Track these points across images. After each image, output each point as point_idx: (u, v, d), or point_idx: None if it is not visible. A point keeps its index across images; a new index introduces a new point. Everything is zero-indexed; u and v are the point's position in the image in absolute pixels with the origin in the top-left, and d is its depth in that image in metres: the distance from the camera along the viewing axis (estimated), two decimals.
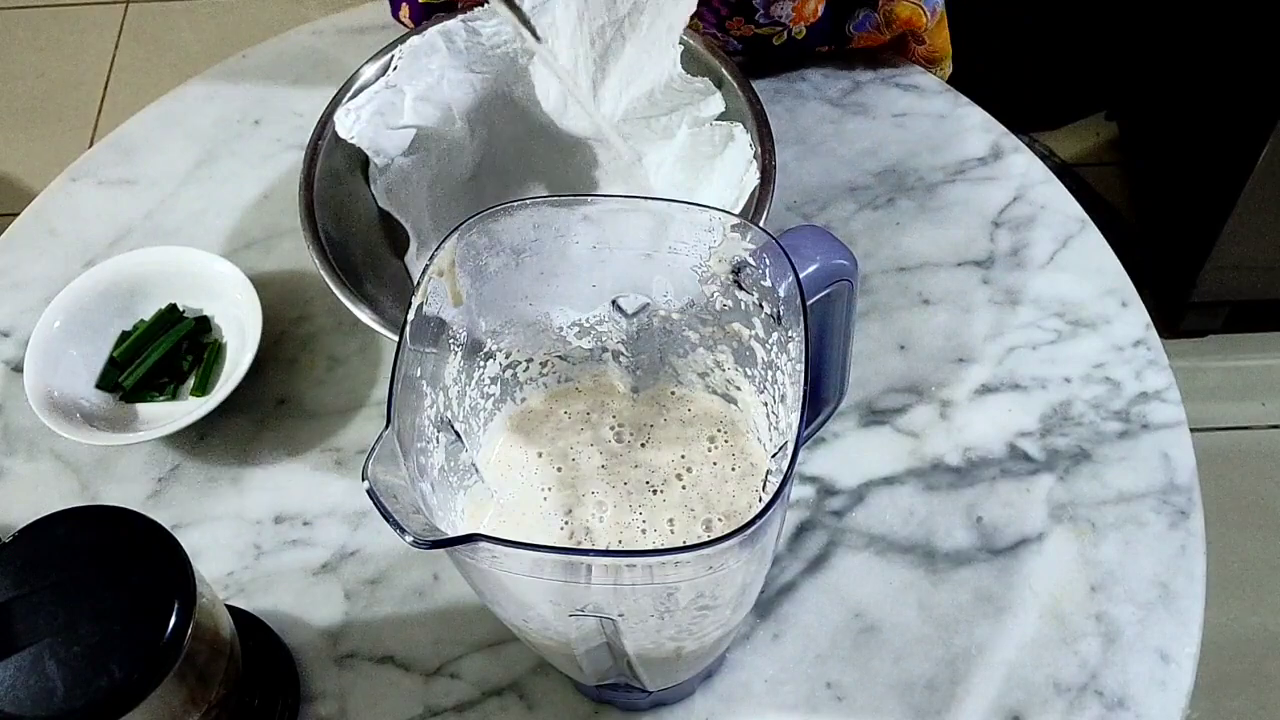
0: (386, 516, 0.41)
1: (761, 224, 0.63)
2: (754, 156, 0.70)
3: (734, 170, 0.71)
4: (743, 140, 0.71)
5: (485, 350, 0.54)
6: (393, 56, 0.72)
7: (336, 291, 0.67)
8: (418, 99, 0.72)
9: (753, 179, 0.69)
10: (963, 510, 0.69)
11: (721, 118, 0.73)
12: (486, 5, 0.71)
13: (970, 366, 0.74)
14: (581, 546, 0.53)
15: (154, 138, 0.90)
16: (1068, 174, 1.73)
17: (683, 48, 0.73)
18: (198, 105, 0.91)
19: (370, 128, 0.71)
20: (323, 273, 0.68)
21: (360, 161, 0.74)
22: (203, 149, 0.89)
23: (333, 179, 0.72)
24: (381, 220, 0.74)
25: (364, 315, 0.66)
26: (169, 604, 0.51)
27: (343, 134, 0.71)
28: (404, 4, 0.88)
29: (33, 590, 0.52)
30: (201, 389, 0.75)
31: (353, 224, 0.73)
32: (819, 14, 0.83)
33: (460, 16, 0.72)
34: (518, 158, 0.78)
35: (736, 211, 0.67)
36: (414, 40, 0.72)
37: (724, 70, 0.73)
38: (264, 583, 0.69)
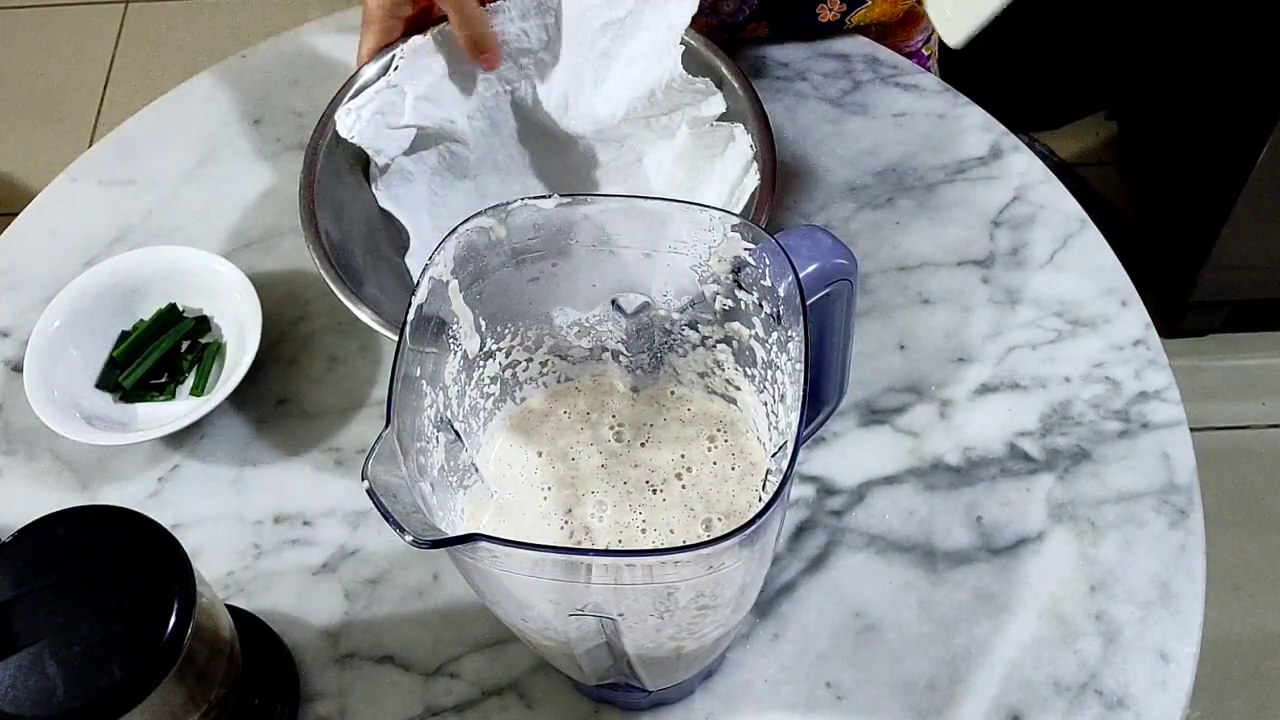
0: (386, 516, 0.41)
1: (761, 224, 0.63)
2: (754, 157, 0.70)
3: (734, 170, 0.71)
4: (743, 141, 0.71)
5: (485, 350, 0.54)
6: (393, 56, 0.72)
7: (336, 291, 0.67)
8: (418, 99, 0.72)
9: (753, 179, 0.69)
10: (963, 510, 0.69)
11: (722, 118, 0.73)
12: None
13: (970, 366, 0.74)
14: (581, 546, 0.53)
15: (154, 138, 0.90)
16: (1068, 174, 1.73)
17: (683, 48, 0.73)
18: (198, 105, 0.91)
19: (370, 128, 0.71)
20: (323, 273, 0.68)
21: (360, 161, 0.74)
22: (203, 149, 0.89)
23: (333, 179, 0.72)
24: (382, 220, 0.74)
25: (364, 315, 0.66)
26: (169, 604, 0.51)
27: (343, 134, 0.71)
28: None
29: (33, 590, 0.52)
30: (201, 389, 0.75)
31: (353, 224, 0.73)
32: None
33: None
34: (518, 158, 0.78)
35: (736, 211, 0.67)
36: (414, 40, 0.72)
37: (724, 70, 0.73)
38: (264, 583, 0.69)
